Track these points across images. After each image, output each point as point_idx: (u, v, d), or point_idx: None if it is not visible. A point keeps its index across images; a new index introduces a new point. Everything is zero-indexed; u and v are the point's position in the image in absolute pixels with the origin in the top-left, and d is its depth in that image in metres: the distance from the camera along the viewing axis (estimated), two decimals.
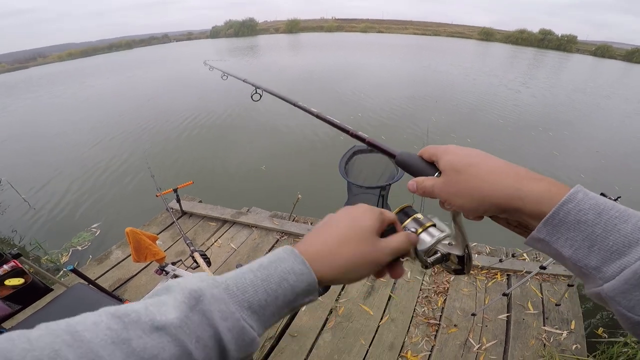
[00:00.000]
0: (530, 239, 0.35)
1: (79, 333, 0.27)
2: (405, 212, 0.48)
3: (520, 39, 46.57)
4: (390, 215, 0.46)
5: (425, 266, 0.45)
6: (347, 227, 0.42)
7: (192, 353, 0.30)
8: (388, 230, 0.45)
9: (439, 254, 0.45)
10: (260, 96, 1.29)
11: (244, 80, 1.55)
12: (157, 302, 0.32)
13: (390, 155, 0.55)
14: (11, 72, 35.95)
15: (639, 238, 0.29)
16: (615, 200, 1.51)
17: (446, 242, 0.46)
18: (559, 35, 45.75)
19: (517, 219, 0.38)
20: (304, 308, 2.29)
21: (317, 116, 0.84)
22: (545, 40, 44.92)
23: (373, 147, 0.63)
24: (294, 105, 0.99)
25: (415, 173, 0.48)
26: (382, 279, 2.49)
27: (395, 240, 0.42)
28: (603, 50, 40.83)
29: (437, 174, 0.44)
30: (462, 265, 0.46)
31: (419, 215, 0.47)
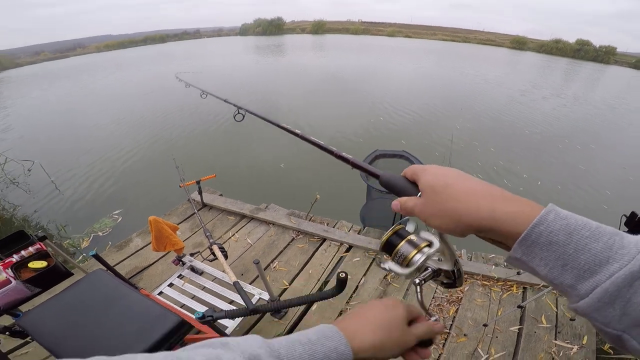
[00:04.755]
0: (509, 258, 0.37)
1: None
2: (398, 234, 0.49)
3: (555, 48, 44.66)
4: (415, 310, 0.51)
5: (419, 284, 0.47)
6: (384, 314, 0.48)
7: None
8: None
9: (430, 270, 0.47)
10: (243, 116, 1.27)
11: (225, 100, 1.49)
12: (216, 356, 0.35)
13: (375, 175, 0.56)
14: (52, 60, 37.60)
15: (609, 256, 0.30)
16: None
17: (435, 257, 0.47)
18: (597, 46, 43.75)
19: (494, 237, 0.39)
20: (314, 307, 2.31)
21: (302, 137, 0.84)
22: (581, 51, 43.03)
23: (356, 168, 0.65)
24: (277, 126, 0.98)
25: (399, 193, 0.49)
26: (394, 285, 2.51)
27: (419, 329, 0.49)
28: None
29: (419, 194, 0.45)
30: (452, 279, 0.48)
31: (413, 237, 0.48)
